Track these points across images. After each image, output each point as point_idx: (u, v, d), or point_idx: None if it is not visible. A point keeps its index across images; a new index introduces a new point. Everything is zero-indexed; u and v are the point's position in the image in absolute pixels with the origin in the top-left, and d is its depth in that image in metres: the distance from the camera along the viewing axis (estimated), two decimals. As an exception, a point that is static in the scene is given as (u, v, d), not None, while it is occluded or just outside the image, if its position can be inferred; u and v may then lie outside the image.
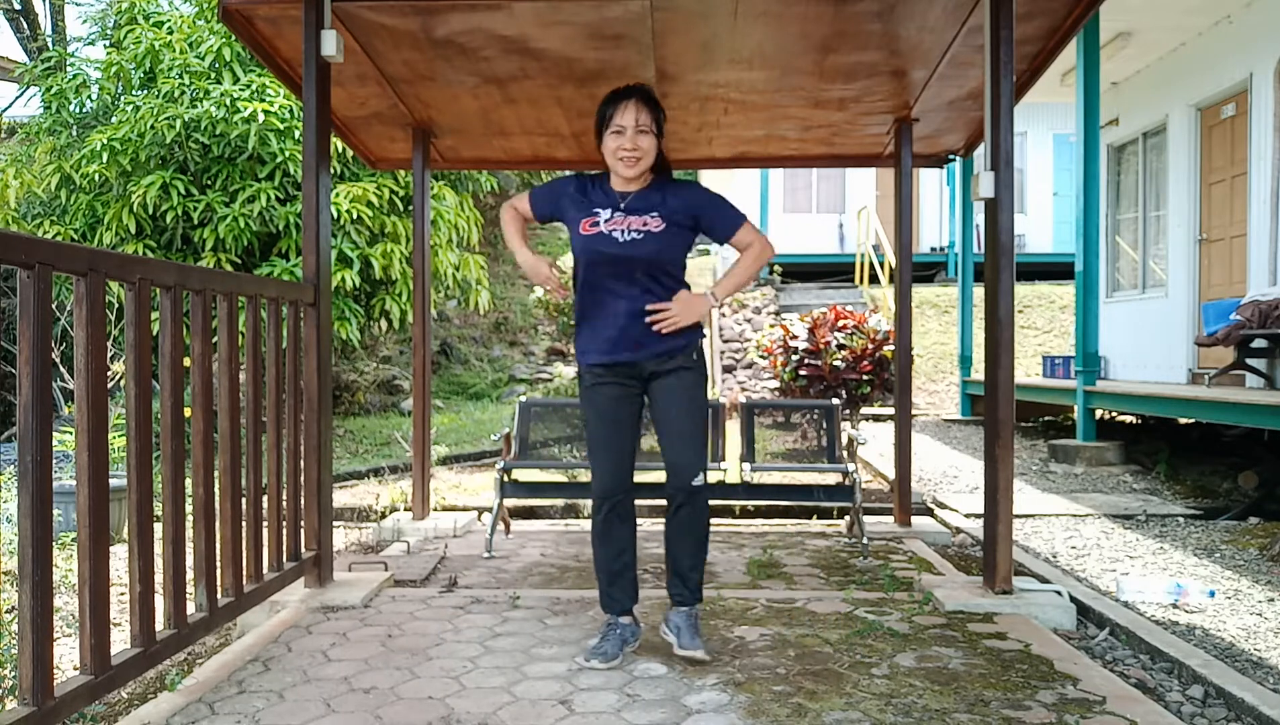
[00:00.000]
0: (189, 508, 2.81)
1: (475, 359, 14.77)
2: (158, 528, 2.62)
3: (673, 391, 2.92)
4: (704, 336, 3.01)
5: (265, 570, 3.32)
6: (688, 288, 2.98)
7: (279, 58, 4.28)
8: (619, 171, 2.91)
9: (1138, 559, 4.72)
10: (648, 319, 2.89)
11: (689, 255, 3.04)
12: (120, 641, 2.51)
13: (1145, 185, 9.32)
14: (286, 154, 7.82)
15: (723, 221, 2.99)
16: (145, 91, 8.23)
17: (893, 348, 8.42)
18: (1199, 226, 8.36)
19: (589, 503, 6.00)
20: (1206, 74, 8.11)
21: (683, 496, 2.90)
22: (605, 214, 2.89)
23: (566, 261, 12.24)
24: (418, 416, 5.51)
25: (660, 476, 2.98)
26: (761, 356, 9.87)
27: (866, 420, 9.52)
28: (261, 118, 7.59)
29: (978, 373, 9.91)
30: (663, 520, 2.99)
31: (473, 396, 13.20)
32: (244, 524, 3.14)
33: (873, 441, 8.27)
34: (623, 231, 2.85)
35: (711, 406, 5.11)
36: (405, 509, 6.09)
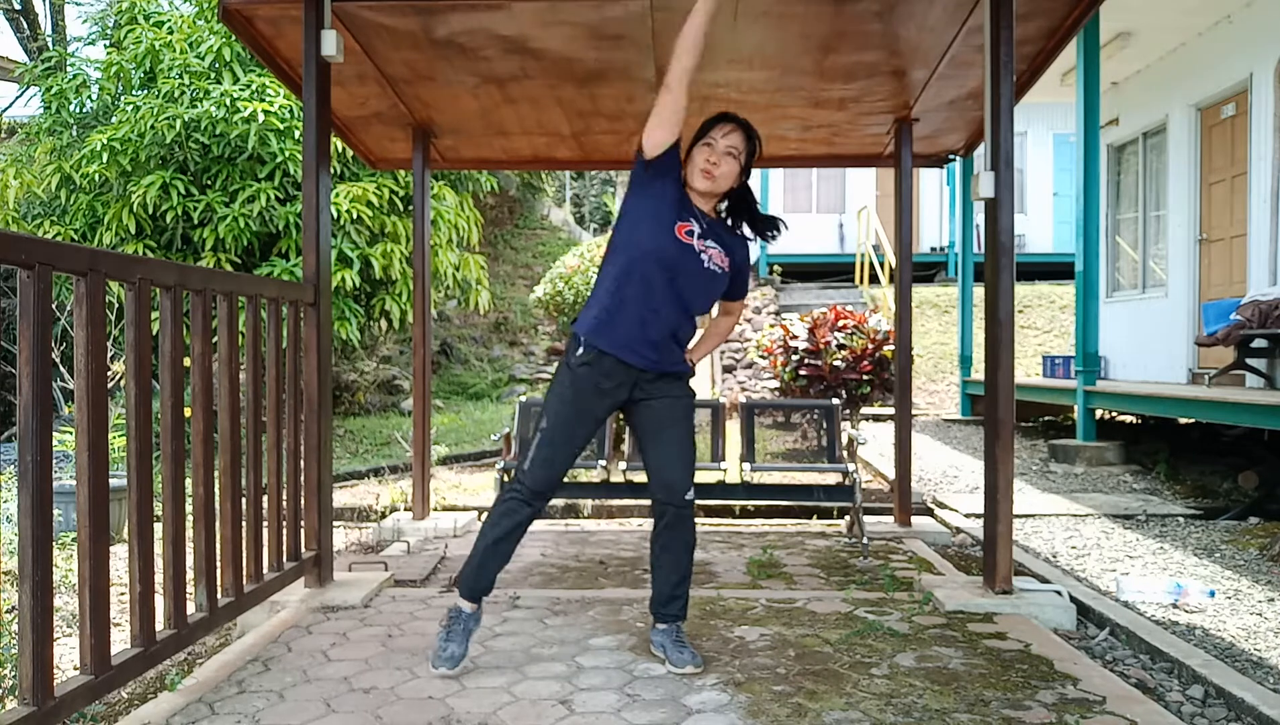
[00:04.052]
0: (189, 508, 2.81)
1: (475, 359, 14.77)
2: (158, 528, 2.62)
3: (674, 413, 2.88)
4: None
5: (265, 570, 3.32)
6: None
7: (279, 58, 4.28)
8: (694, 184, 2.85)
9: (1138, 559, 4.72)
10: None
11: None
12: (120, 641, 2.51)
13: (1145, 185, 9.31)
14: (286, 154, 7.82)
15: (742, 285, 3.05)
16: (145, 91, 8.23)
17: (893, 348, 8.42)
18: (1199, 226, 8.36)
19: (589, 503, 6.00)
20: (1206, 74, 8.11)
21: (676, 509, 2.87)
22: (698, 229, 2.82)
23: (566, 261, 12.14)
24: (418, 416, 5.51)
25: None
26: (761, 356, 9.85)
27: (866, 420, 9.52)
28: (261, 118, 7.59)
29: (978, 373, 9.91)
30: None
31: (473, 396, 13.21)
32: (244, 524, 3.14)
33: (873, 441, 8.28)
34: (709, 259, 2.82)
35: (711, 406, 5.13)
36: (405, 509, 6.09)
